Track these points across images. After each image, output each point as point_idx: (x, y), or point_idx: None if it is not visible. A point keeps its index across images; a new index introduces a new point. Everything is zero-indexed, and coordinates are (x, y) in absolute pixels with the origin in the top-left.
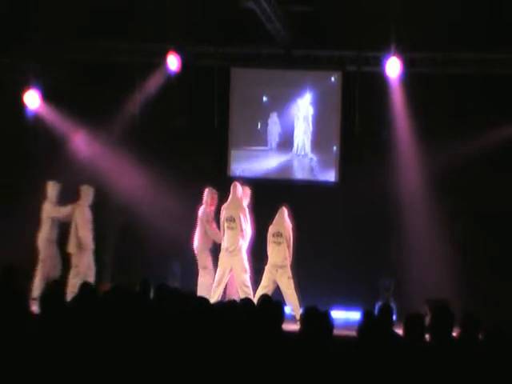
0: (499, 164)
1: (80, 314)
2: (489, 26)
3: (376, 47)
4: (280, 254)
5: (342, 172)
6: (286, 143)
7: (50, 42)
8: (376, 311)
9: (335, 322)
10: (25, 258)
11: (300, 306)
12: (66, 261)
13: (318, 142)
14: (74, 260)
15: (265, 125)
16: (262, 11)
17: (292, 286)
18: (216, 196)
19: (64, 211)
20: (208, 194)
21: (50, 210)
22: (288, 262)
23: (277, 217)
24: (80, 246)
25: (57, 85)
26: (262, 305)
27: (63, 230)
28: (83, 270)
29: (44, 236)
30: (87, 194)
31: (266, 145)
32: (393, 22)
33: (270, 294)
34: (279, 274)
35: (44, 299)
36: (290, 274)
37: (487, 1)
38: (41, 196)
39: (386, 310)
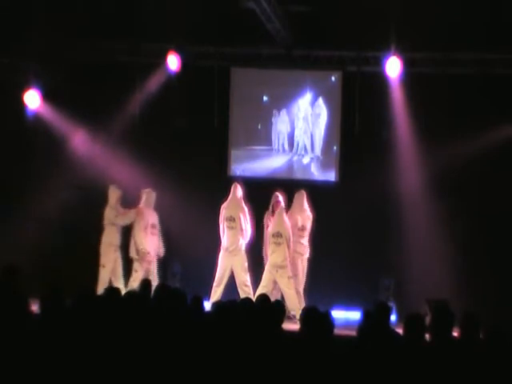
0: (499, 164)
1: (80, 314)
2: (489, 26)
3: (376, 47)
4: (280, 254)
5: (342, 172)
6: (287, 143)
7: (50, 42)
8: (373, 309)
9: (335, 322)
10: (25, 258)
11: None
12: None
13: (317, 142)
14: (134, 265)
15: (267, 124)
16: (262, 11)
17: (292, 285)
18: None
19: (126, 218)
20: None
21: (111, 216)
22: (288, 262)
23: (276, 217)
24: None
25: (57, 85)
26: (261, 304)
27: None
28: (142, 275)
29: (107, 241)
30: (148, 197)
31: (268, 144)
32: (393, 22)
33: (269, 293)
34: (279, 274)
35: (44, 299)
36: (290, 274)
37: (487, 1)
38: (41, 196)
39: (383, 309)
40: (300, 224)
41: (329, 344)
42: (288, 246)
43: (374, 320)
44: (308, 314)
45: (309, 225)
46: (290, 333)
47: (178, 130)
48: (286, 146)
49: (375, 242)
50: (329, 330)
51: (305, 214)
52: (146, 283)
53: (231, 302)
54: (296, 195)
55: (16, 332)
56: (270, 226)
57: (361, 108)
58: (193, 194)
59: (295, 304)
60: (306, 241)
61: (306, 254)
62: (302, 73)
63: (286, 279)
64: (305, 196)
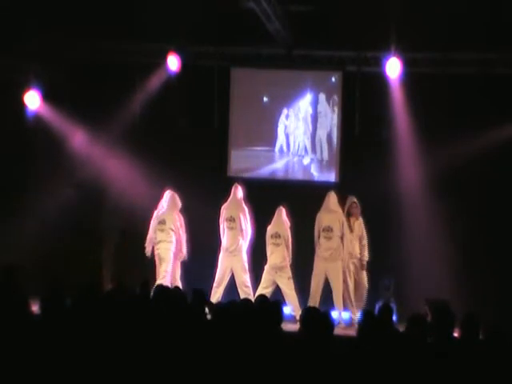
0: (499, 164)
1: (80, 314)
2: (489, 26)
3: (376, 47)
4: (279, 255)
5: (342, 172)
6: (287, 144)
7: (50, 42)
8: (376, 311)
9: (335, 322)
10: (25, 258)
11: (300, 307)
12: None
13: (318, 143)
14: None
15: (267, 124)
16: (262, 11)
17: (292, 286)
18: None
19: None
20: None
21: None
22: (287, 262)
23: (275, 217)
24: None
25: (57, 85)
26: (260, 305)
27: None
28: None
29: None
30: (166, 198)
31: (268, 145)
32: (393, 22)
33: (269, 295)
34: (279, 275)
35: (44, 300)
36: (290, 275)
37: (487, 1)
38: (41, 196)
39: (386, 310)
40: (325, 224)
41: (329, 344)
42: (287, 247)
43: (375, 321)
44: (308, 314)
45: (337, 225)
46: (290, 333)
47: (178, 130)
48: (291, 147)
49: (375, 241)
50: (329, 330)
51: (332, 214)
52: (144, 283)
53: (230, 303)
54: (326, 196)
55: (16, 332)
56: (269, 226)
57: (361, 108)
58: (193, 194)
59: (296, 305)
60: (333, 242)
61: (336, 257)
62: (302, 73)
63: (286, 280)
64: (332, 197)
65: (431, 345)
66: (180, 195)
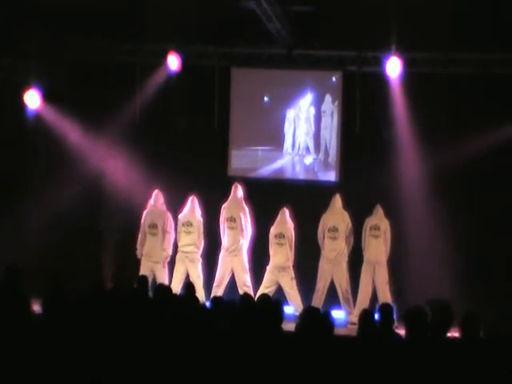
0: (499, 164)
1: (81, 314)
2: (489, 26)
3: (376, 47)
4: (282, 255)
5: (343, 172)
6: (288, 144)
7: (50, 41)
8: (376, 311)
9: (335, 322)
10: (26, 257)
11: (303, 306)
12: None
13: (318, 143)
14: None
15: (269, 125)
16: (263, 11)
17: (295, 286)
18: None
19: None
20: None
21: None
22: (290, 262)
23: (279, 218)
24: None
25: (57, 85)
26: (262, 304)
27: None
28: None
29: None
30: (154, 198)
31: (268, 144)
32: (393, 22)
33: (270, 294)
34: (281, 275)
35: (46, 299)
36: (293, 275)
37: (487, 1)
38: (42, 196)
39: (386, 310)
40: (331, 225)
41: (329, 344)
42: (290, 247)
43: (375, 321)
44: (308, 314)
45: (342, 227)
46: (290, 333)
47: (178, 130)
48: (296, 147)
49: None
50: (329, 330)
51: (338, 216)
52: (142, 280)
53: (231, 302)
54: (332, 199)
55: (18, 332)
56: (273, 227)
57: (361, 108)
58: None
59: (299, 304)
60: (338, 243)
61: (341, 259)
62: (303, 73)
63: (289, 280)
64: (338, 200)
65: (431, 344)
66: (180, 195)
